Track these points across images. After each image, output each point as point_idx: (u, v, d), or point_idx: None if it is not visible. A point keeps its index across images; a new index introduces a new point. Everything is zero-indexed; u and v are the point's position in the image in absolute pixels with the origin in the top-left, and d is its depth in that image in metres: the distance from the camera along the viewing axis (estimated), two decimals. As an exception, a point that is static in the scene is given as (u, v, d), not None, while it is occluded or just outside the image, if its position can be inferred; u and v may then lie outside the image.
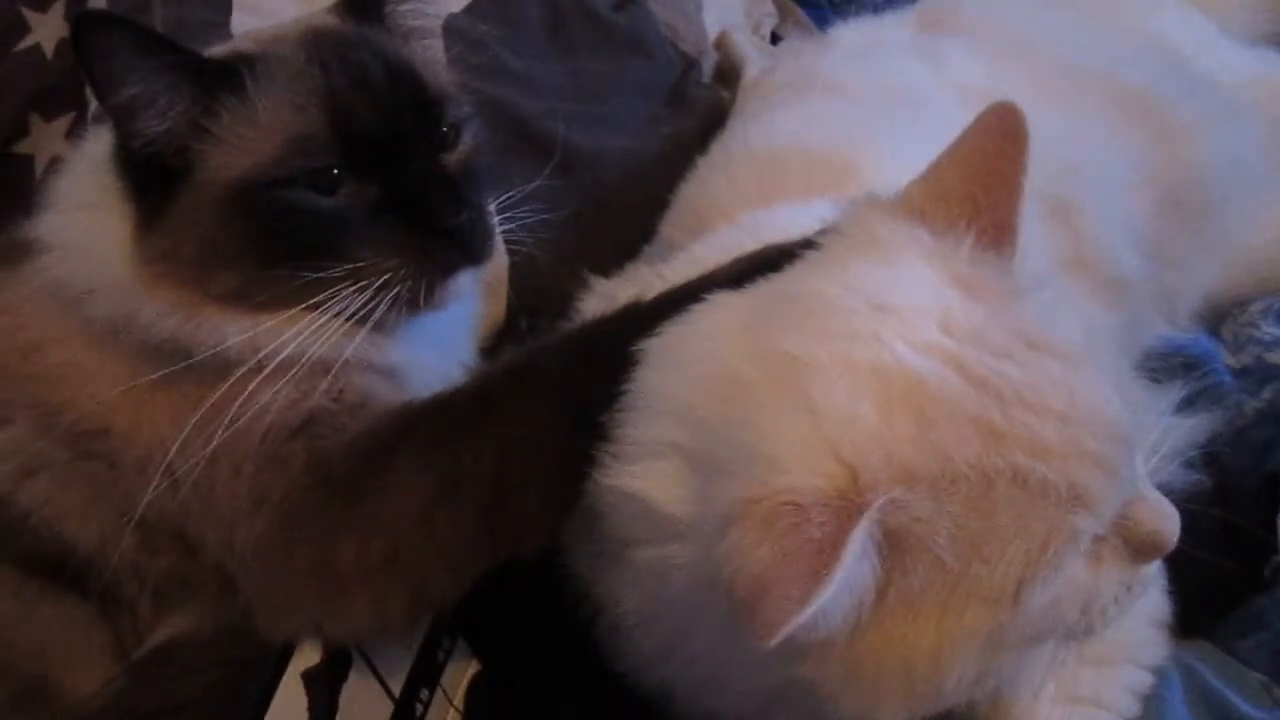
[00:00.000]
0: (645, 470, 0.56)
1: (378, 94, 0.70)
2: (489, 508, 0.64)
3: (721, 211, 0.81)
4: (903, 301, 0.53)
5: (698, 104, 1.16)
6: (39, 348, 0.71)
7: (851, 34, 1.05)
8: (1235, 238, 0.96)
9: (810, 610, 0.45)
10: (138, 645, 0.72)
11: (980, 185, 0.56)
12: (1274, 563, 0.75)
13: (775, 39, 1.41)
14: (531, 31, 1.18)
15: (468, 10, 1.16)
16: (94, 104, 1.07)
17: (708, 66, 1.27)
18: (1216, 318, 0.95)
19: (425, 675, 0.73)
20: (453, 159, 0.74)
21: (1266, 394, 0.84)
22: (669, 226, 0.89)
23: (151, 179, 0.68)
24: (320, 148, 0.68)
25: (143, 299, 0.68)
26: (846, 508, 0.47)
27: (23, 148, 1.11)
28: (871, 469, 0.48)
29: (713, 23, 1.35)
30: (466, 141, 0.75)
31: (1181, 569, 0.70)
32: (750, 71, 1.20)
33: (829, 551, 0.46)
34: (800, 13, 1.43)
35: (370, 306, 0.68)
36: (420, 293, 0.69)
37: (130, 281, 0.68)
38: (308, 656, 0.66)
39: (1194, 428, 0.79)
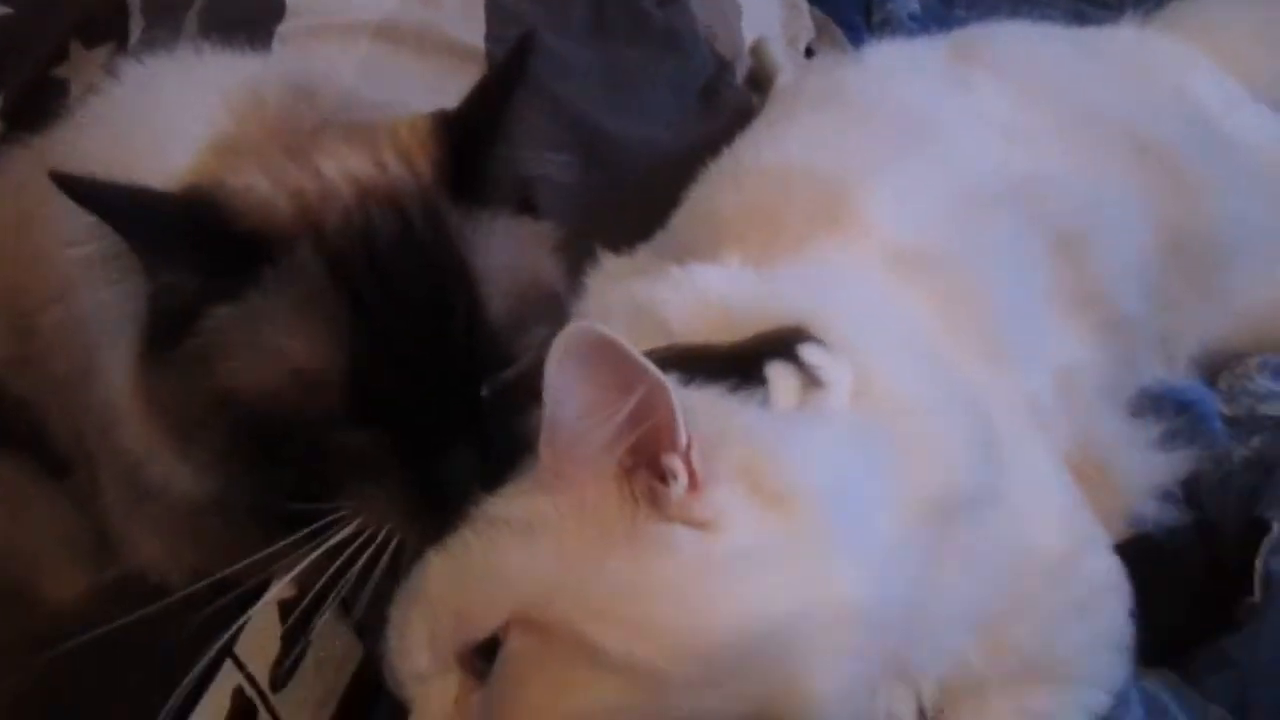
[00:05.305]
0: None
1: (411, 333, 0.57)
2: None
3: (727, 221, 0.81)
4: None
5: (728, 104, 1.18)
6: (25, 226, 0.68)
7: (883, 53, 1.06)
8: (1239, 294, 0.97)
9: None
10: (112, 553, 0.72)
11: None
12: (1247, 604, 0.76)
13: (809, 53, 1.43)
14: (573, 16, 1.19)
15: (513, -10, 1.17)
16: (135, 35, 1.09)
17: (741, 70, 1.29)
18: (1214, 369, 0.96)
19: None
20: (495, 386, 0.60)
21: (1255, 443, 0.85)
22: (680, 219, 0.90)
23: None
24: (326, 389, 0.56)
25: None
26: None
27: (60, 72, 1.12)
28: None
29: (750, 32, 1.36)
30: (524, 363, 0.60)
31: (1154, 601, 0.72)
32: (781, 80, 1.22)
33: None
34: (837, 30, 1.45)
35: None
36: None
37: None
38: (285, 589, 0.66)
39: (1174, 463, 0.80)
